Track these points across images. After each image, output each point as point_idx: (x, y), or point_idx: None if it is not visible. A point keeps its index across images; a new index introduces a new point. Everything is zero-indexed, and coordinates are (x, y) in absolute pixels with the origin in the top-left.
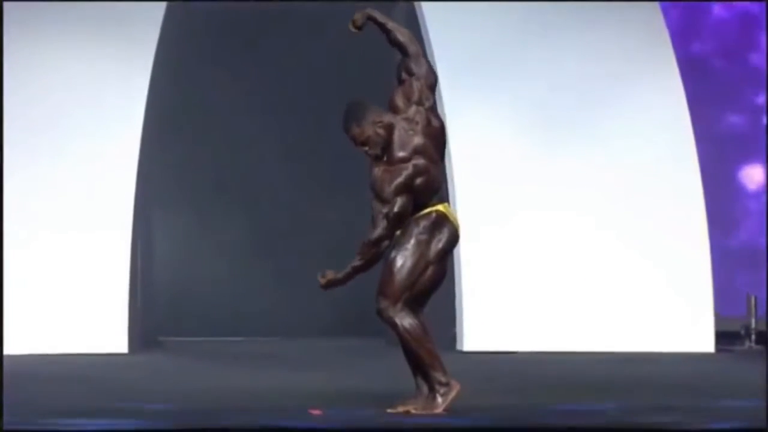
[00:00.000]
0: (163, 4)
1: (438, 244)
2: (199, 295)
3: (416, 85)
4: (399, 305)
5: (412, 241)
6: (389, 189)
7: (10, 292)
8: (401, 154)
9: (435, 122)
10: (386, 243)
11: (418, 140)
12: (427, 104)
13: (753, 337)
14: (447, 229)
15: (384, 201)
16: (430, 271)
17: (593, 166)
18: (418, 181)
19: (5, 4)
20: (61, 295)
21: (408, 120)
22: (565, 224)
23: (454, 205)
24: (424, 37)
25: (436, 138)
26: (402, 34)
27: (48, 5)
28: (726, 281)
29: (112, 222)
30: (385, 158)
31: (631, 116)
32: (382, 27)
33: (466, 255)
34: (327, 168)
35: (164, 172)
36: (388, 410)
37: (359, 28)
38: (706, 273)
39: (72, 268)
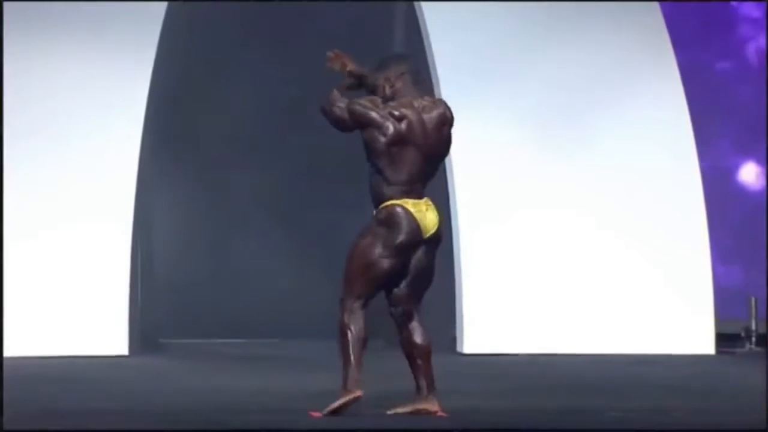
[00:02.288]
0: (164, 3)
1: (397, 237)
2: (200, 297)
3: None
4: (356, 303)
5: (369, 237)
6: (357, 104)
7: (9, 293)
8: (394, 110)
9: (446, 131)
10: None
11: (412, 120)
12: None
13: (753, 339)
14: (406, 223)
15: (351, 102)
16: (386, 264)
17: (593, 168)
18: (378, 137)
19: (6, 4)
20: (61, 296)
21: (426, 109)
22: (564, 226)
23: (454, 206)
24: (424, 37)
25: (433, 141)
26: None
27: (49, 5)
28: (726, 283)
29: (111, 223)
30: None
31: (632, 117)
32: None
33: (465, 257)
34: (333, 165)
35: (165, 173)
36: (388, 412)
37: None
38: (706, 274)
39: (71, 269)
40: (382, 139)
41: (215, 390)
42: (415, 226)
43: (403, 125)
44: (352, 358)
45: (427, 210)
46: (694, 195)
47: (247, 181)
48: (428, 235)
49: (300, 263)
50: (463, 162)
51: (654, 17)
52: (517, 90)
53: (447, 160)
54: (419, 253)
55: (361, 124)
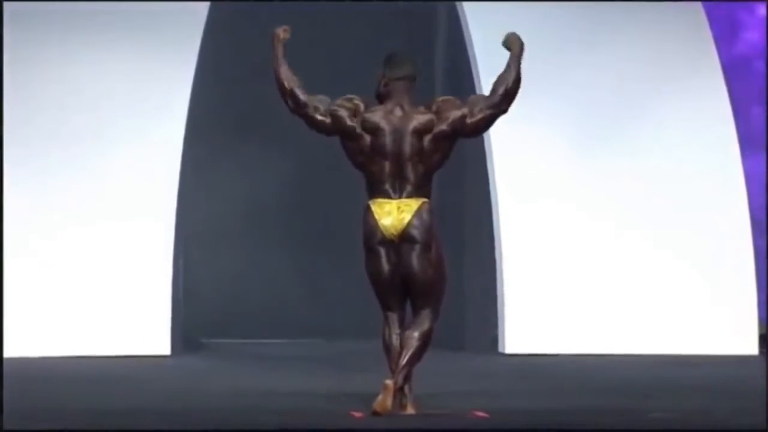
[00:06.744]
0: (207, 3)
1: (363, 236)
2: (243, 297)
3: (460, 114)
4: (386, 313)
5: None
6: (340, 109)
7: (51, 292)
8: (369, 116)
9: (429, 139)
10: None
11: (384, 128)
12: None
13: None
14: (366, 223)
15: (333, 107)
16: (371, 267)
17: (637, 167)
18: (353, 147)
19: (47, 9)
20: (103, 296)
21: (411, 115)
22: (607, 225)
23: (496, 206)
24: (466, 38)
25: (408, 148)
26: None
27: (91, 6)
28: None
29: (154, 222)
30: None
31: (674, 117)
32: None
33: (507, 256)
34: None
35: (207, 173)
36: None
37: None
38: (749, 274)
39: (114, 268)
40: (357, 151)
41: (256, 390)
42: (374, 226)
43: (375, 135)
44: (390, 361)
45: (399, 212)
46: (737, 195)
47: (290, 181)
48: (393, 235)
49: (343, 263)
50: (504, 162)
51: (696, 15)
52: (557, 90)
53: (488, 159)
54: (400, 255)
55: (339, 132)
